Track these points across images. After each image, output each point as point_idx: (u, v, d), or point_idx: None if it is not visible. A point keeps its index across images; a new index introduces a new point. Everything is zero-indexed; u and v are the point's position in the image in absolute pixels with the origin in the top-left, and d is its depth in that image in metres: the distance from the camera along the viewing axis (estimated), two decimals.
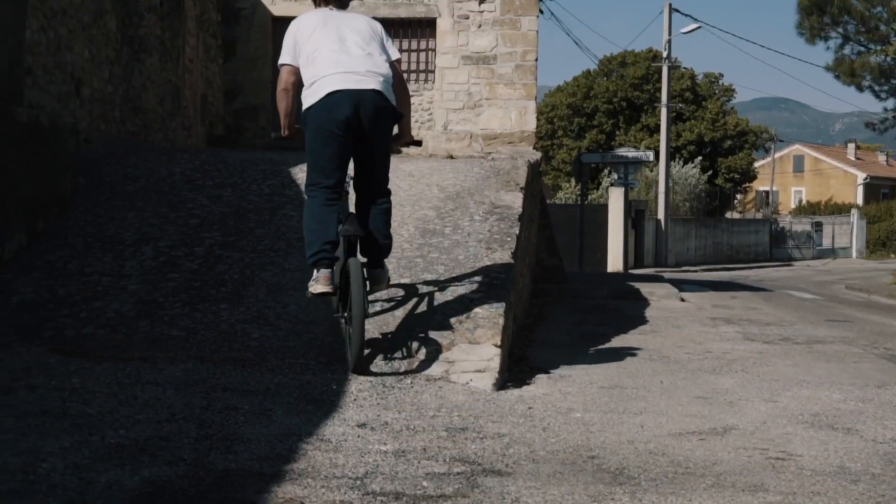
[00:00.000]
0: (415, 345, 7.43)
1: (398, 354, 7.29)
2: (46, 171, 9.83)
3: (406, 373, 7.00)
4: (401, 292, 8.42)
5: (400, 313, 8.00)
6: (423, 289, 8.50)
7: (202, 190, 11.08)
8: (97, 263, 8.94)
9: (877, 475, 5.03)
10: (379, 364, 7.11)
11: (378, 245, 7.37)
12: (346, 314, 7.09)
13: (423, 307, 8.11)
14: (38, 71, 10.47)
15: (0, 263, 8.75)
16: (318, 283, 7.00)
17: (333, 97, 7.03)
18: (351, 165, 7.37)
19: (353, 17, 7.72)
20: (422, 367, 7.11)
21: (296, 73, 7.37)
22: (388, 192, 7.47)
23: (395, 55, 7.66)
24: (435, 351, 7.32)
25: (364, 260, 7.31)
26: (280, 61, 7.47)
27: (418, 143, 8.46)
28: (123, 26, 13.84)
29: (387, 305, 8.16)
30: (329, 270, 7.01)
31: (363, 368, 6.89)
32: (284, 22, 20.60)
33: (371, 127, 7.11)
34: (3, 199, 8.85)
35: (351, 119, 7.00)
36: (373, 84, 7.15)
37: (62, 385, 6.17)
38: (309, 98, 7.21)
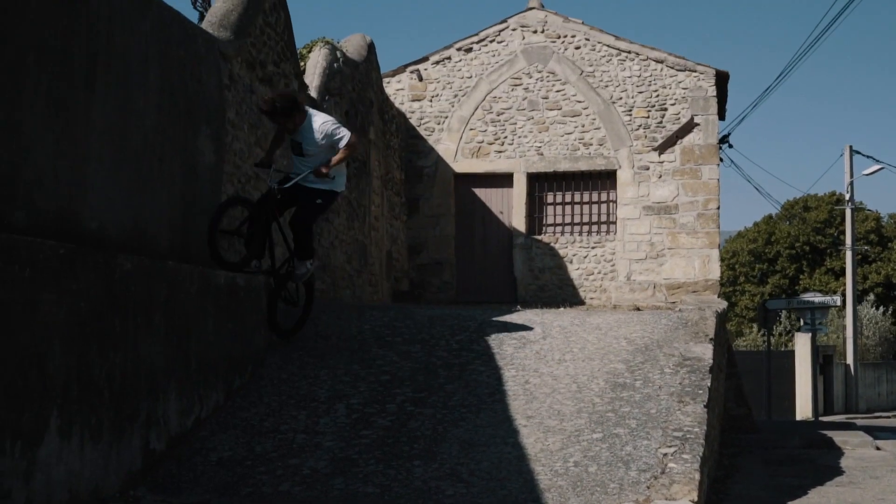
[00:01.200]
0: (610, 501, 7.33)
1: None
2: (242, 330, 10.11)
3: None
4: (594, 448, 8.34)
5: (594, 469, 7.92)
6: (617, 444, 8.41)
7: (391, 346, 11.24)
8: (292, 421, 9.12)
9: None
10: None
11: None
12: None
13: (617, 463, 8.01)
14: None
15: (199, 422, 8.99)
16: None
17: None
18: None
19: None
20: None
21: None
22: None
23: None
24: None
25: None
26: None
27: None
28: None
29: (581, 461, 8.09)
30: None
31: None
32: (465, 179, 21.18)
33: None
34: (203, 359, 9.12)
35: None
36: None
37: None
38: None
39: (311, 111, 10.71)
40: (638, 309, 16.55)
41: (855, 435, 19.77)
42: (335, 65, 16.35)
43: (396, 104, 21.48)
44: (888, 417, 41.10)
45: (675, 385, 9.79)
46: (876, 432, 23.19)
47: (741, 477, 12.38)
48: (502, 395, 9.71)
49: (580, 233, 20.95)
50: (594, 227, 20.91)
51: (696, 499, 7.33)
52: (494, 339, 11.62)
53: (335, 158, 10.54)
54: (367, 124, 18.00)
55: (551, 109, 21.27)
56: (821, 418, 34.06)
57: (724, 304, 15.95)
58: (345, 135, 10.59)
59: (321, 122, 10.58)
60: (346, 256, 16.30)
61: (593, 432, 8.66)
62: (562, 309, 14.75)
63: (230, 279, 9.83)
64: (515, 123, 21.38)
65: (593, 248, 20.66)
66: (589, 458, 8.16)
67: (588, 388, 9.74)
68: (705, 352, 10.83)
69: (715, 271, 19.89)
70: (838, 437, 18.69)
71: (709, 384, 9.83)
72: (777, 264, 63.48)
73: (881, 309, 53.96)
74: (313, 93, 15.11)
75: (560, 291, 20.48)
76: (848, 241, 44.71)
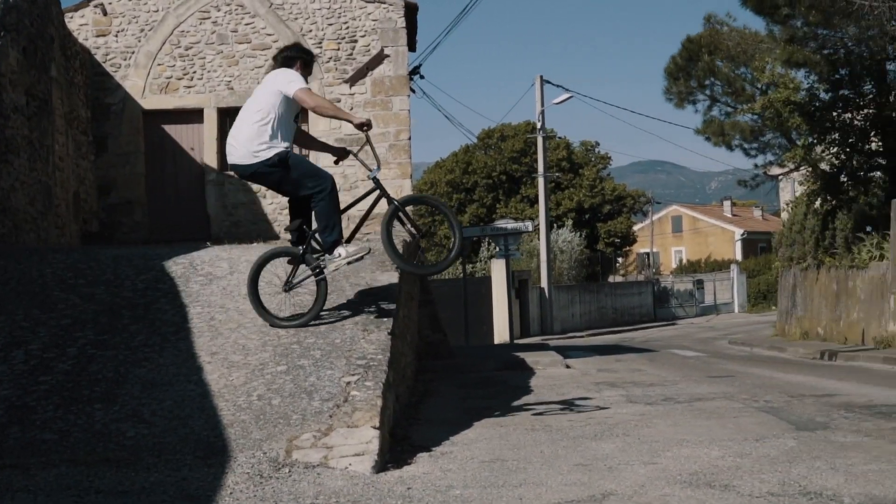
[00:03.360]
0: (293, 432, 7.38)
1: (275, 444, 7.22)
2: None
3: (284, 462, 6.93)
4: (278, 381, 8.37)
5: (277, 402, 7.94)
6: (301, 375, 8.45)
7: (74, 289, 10.93)
8: None
9: None
10: (257, 455, 7.03)
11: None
12: None
13: (301, 394, 8.06)
14: None
15: None
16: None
17: None
18: None
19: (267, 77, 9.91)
20: (300, 454, 7.05)
21: None
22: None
23: (288, 90, 9.40)
24: (313, 437, 7.27)
25: None
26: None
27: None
28: None
29: (264, 394, 8.10)
30: None
31: None
32: (154, 115, 20.70)
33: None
34: None
35: None
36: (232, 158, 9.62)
37: None
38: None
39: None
40: None
41: (547, 355, 20.54)
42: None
43: (80, 40, 20.75)
44: (581, 337, 42.93)
45: (361, 314, 9.93)
46: (567, 352, 24.18)
47: (435, 401, 12.66)
48: (187, 333, 9.61)
49: None
50: None
51: (377, 424, 7.44)
52: (181, 278, 11.46)
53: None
54: (49, 61, 17.32)
55: (241, 43, 21.01)
56: (517, 341, 35.23)
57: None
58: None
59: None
60: (29, 199, 15.70)
61: (278, 365, 8.69)
62: (254, 244, 14.66)
63: None
64: (205, 58, 21.02)
65: None
66: (273, 390, 8.18)
67: None
68: (391, 280, 11.00)
69: None
70: (531, 357, 19.37)
71: (394, 312, 9.99)
72: (475, 194, 65.03)
73: (574, 233, 56.07)
74: None
75: (255, 227, 20.37)
76: (540, 168, 46.13)
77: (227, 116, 20.80)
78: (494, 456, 7.75)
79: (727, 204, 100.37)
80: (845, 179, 26.45)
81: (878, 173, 26.36)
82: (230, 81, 20.85)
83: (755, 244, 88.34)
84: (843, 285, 25.84)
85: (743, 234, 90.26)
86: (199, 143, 21.02)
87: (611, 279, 65.16)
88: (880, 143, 25.73)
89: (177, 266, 12.00)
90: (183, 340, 9.43)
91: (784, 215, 37.41)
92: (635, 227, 76.46)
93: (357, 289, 10.77)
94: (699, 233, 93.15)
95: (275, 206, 20.48)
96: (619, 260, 73.62)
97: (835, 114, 26.00)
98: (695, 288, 66.36)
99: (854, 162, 26.20)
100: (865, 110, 25.83)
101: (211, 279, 11.42)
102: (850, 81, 25.56)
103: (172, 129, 21.12)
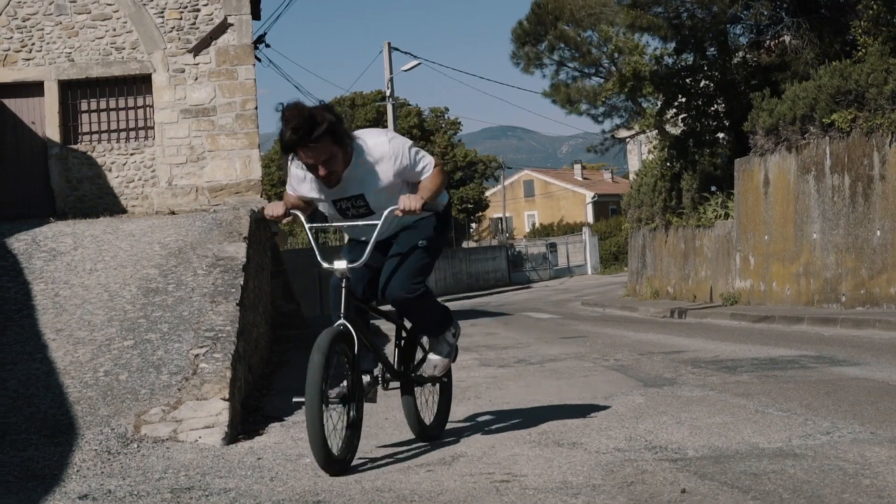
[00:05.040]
0: (141, 408, 7.27)
1: (124, 420, 7.11)
2: None
3: (133, 437, 6.84)
4: (125, 356, 8.24)
5: (125, 377, 7.82)
6: (149, 349, 8.34)
7: None
8: None
9: (597, 486, 5.17)
10: (105, 432, 6.92)
11: None
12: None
13: (149, 368, 7.95)
14: None
15: None
16: None
17: None
18: None
19: None
20: (149, 429, 6.96)
21: None
22: None
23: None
24: (162, 411, 7.18)
25: None
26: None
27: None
28: None
29: (112, 370, 7.97)
30: None
31: None
32: None
33: None
34: None
35: None
36: None
37: None
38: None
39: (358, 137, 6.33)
40: (173, 213, 16.42)
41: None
42: None
43: None
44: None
45: (209, 286, 9.82)
46: None
47: (287, 371, 12.60)
48: (31, 311, 9.40)
49: (118, 140, 20.39)
50: (132, 134, 20.43)
51: (226, 396, 7.38)
52: (24, 254, 11.21)
53: (427, 188, 6.33)
54: None
55: (80, 13, 20.49)
56: None
57: (262, 203, 16.09)
58: (426, 159, 6.47)
59: (380, 149, 6.28)
60: None
61: (125, 340, 8.55)
62: (99, 218, 14.41)
63: None
64: (43, 29, 20.46)
65: (132, 154, 20.20)
66: (120, 366, 8.05)
67: (120, 296, 9.58)
68: (238, 251, 10.91)
69: (256, 171, 19.98)
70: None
71: (242, 282, 9.91)
72: None
73: None
74: None
75: (101, 201, 19.96)
76: None
77: (69, 89, 20.32)
78: None
79: (578, 167, 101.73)
80: (691, 142, 26.96)
81: (723, 134, 26.93)
82: (70, 53, 20.33)
83: (606, 206, 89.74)
84: (690, 244, 26.43)
85: (594, 197, 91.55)
86: (41, 116, 20.47)
87: (465, 245, 65.63)
88: (724, 106, 26.28)
89: (19, 243, 11.74)
90: (27, 318, 9.24)
91: (632, 177, 38.03)
92: (488, 193, 77.22)
93: (205, 261, 10.65)
94: (551, 197, 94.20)
95: (121, 179, 20.11)
96: (473, 226, 74.19)
97: (680, 79, 26.43)
98: (548, 251, 67.21)
99: (699, 125, 26.71)
100: (710, 73, 26.34)
101: (55, 255, 11.19)
102: (694, 45, 26.02)
103: (12, 103, 20.52)
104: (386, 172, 6.20)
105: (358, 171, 6.17)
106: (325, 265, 6.23)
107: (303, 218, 6.33)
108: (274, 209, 6.34)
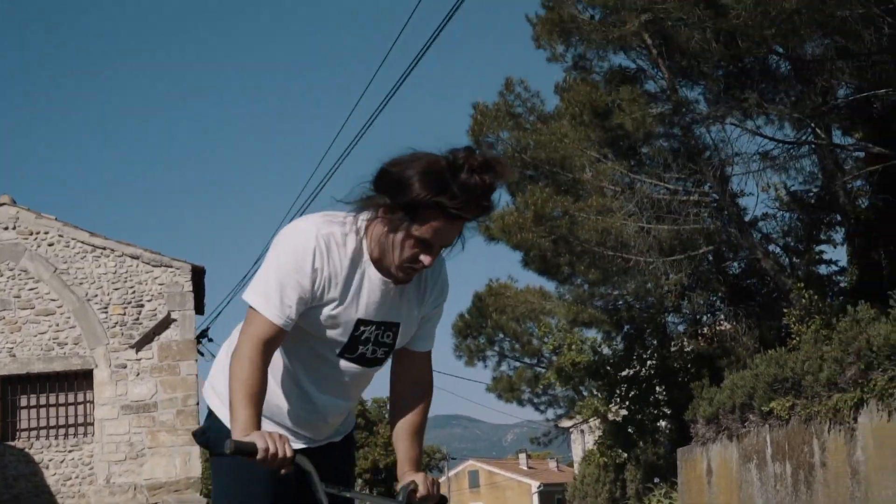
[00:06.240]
0: None
1: None
2: None
3: None
4: None
5: None
6: None
7: None
8: None
9: None
10: None
11: None
12: None
13: None
14: None
15: None
16: None
17: None
18: None
19: None
20: None
21: None
22: None
23: None
24: None
25: None
26: None
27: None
28: None
29: None
30: None
31: None
32: None
33: None
34: None
35: None
36: None
37: None
38: None
39: None
40: None
41: None
42: None
43: None
44: None
45: None
46: None
47: None
48: None
49: (56, 436, 20.15)
50: (71, 430, 20.23)
51: None
52: None
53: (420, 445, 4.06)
54: None
55: (24, 308, 20.58)
56: None
57: (203, 502, 15.87)
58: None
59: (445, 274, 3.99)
60: None
61: None
62: None
63: None
64: None
65: (70, 451, 19.92)
66: None
67: None
68: None
69: (196, 469, 19.73)
70: None
71: None
72: None
73: (374, 492, 55.56)
74: None
75: (36, 499, 19.56)
76: None
77: (9, 384, 20.16)
78: None
79: (523, 457, 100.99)
80: (633, 430, 27.02)
81: (664, 422, 27.04)
82: (12, 348, 20.29)
83: (552, 497, 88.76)
84: None
85: (539, 487, 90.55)
86: None
87: None
88: (665, 394, 26.49)
89: None
90: None
91: (577, 468, 37.90)
92: None
93: None
94: (497, 487, 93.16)
95: (58, 476, 19.76)
96: None
97: (620, 370, 26.72)
98: None
99: (642, 413, 26.85)
100: (649, 362, 26.65)
101: None
102: (634, 335, 26.41)
103: None
104: (427, 306, 3.88)
105: (418, 290, 3.81)
106: None
107: (315, 476, 3.33)
108: (282, 446, 3.29)
